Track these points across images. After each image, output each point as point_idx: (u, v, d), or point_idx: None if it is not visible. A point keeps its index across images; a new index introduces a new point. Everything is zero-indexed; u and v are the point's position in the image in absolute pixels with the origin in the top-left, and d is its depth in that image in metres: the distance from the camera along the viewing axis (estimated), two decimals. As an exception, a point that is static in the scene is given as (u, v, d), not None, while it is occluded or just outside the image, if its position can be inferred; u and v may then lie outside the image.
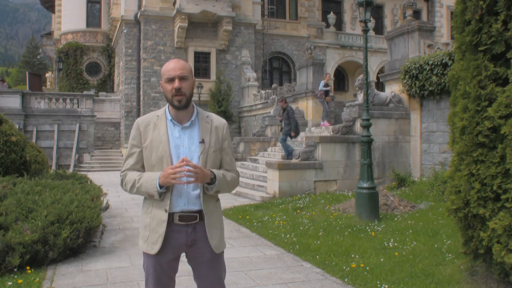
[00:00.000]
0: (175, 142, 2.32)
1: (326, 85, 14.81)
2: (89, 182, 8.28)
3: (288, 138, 11.87)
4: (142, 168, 2.37)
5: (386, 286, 4.15)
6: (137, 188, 2.30)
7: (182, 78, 2.28)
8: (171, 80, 2.28)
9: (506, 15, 3.56)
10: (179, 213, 2.29)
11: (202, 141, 2.33)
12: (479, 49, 3.77)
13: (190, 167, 2.18)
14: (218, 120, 2.45)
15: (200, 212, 2.32)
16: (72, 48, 27.96)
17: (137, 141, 2.36)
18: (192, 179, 2.21)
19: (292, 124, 11.68)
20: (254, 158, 14.38)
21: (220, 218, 2.46)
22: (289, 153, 11.54)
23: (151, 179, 2.25)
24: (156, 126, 2.34)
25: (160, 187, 2.23)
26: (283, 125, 12.00)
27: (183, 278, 4.05)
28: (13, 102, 19.59)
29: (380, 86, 14.95)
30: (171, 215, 2.29)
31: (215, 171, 2.33)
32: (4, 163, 6.91)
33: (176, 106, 2.30)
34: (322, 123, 14.61)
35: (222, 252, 2.44)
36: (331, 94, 15.43)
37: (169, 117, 2.36)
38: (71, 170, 17.87)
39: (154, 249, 2.29)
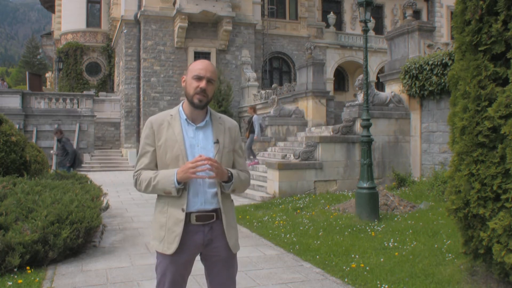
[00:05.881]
0: (190, 142, 2.33)
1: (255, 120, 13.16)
2: (89, 182, 8.28)
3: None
4: (156, 167, 2.36)
5: (386, 286, 4.15)
6: (153, 186, 2.28)
7: (209, 81, 2.32)
8: (199, 78, 2.30)
9: (506, 15, 3.55)
10: (196, 213, 2.28)
11: (217, 141, 2.35)
12: (479, 49, 3.77)
13: (210, 162, 2.19)
14: (230, 122, 2.49)
15: (216, 211, 2.32)
16: (72, 48, 27.93)
17: (151, 140, 2.36)
18: (212, 174, 2.21)
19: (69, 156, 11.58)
20: (254, 158, 14.38)
21: (234, 217, 2.47)
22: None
23: (168, 175, 2.25)
24: (170, 125, 2.35)
25: (178, 183, 2.22)
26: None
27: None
28: (13, 102, 19.60)
29: (380, 86, 14.93)
30: (188, 215, 2.27)
31: (230, 169, 2.35)
32: (4, 163, 6.91)
33: (195, 104, 2.32)
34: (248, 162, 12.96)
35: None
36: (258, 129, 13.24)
37: (184, 117, 2.37)
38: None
39: (171, 249, 2.27)
